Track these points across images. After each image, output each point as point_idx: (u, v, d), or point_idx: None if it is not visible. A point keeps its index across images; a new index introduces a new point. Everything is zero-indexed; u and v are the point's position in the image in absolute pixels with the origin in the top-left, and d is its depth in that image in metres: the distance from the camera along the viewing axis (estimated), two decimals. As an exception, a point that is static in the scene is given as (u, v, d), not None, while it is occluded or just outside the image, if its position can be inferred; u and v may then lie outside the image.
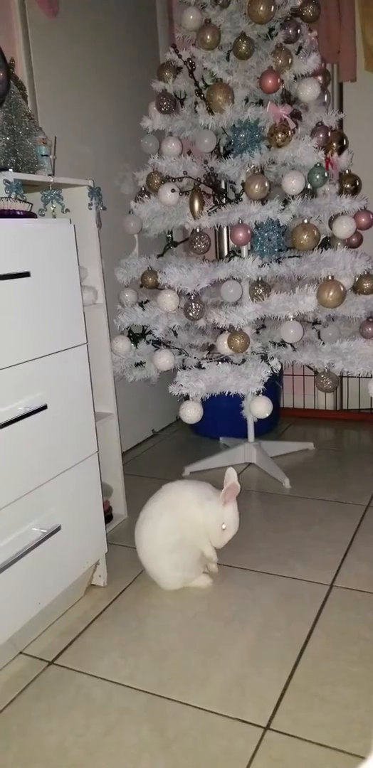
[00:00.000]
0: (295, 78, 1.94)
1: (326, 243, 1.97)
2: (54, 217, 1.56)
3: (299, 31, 1.94)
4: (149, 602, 1.49)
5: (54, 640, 1.37)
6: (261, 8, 1.82)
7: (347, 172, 2.07)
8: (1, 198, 1.34)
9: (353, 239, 2.03)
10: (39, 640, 1.38)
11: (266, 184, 1.84)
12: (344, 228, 1.89)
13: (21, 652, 1.34)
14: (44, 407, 1.30)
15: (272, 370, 1.88)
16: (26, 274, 1.24)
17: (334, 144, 2.02)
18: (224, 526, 1.48)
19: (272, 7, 1.84)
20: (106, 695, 1.19)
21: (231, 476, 1.49)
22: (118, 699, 1.18)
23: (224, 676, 1.22)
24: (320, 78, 1.98)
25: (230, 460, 2.30)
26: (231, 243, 1.96)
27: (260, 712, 1.12)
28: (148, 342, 2.13)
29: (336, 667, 1.21)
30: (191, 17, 1.97)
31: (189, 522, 1.47)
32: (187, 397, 1.86)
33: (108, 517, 1.87)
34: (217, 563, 1.58)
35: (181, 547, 1.47)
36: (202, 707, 1.14)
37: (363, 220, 2.00)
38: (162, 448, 2.62)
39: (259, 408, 1.90)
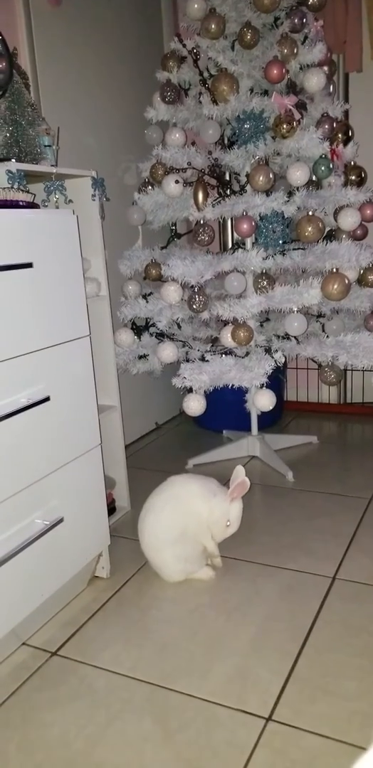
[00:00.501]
0: (300, 68, 1.92)
1: (331, 235, 1.96)
2: (57, 207, 1.56)
3: (304, 20, 1.91)
4: (152, 594, 1.49)
5: (57, 632, 1.38)
6: (266, -3, 1.80)
7: (352, 163, 2.06)
8: (4, 188, 1.33)
9: (358, 231, 2.02)
10: (42, 631, 1.38)
11: (271, 176, 1.83)
12: (349, 220, 1.88)
13: (24, 643, 1.35)
14: (47, 399, 1.30)
15: (276, 363, 1.87)
16: (29, 265, 1.24)
17: (339, 135, 2.01)
18: (228, 523, 1.48)
19: (278, -4, 1.82)
20: (108, 686, 1.20)
21: (240, 474, 1.49)
22: (120, 690, 1.18)
23: (227, 667, 1.22)
24: (325, 68, 1.96)
25: (233, 453, 2.30)
26: (235, 235, 1.95)
27: (262, 703, 1.12)
28: (151, 334, 2.12)
29: (338, 659, 1.21)
30: (196, 6, 1.95)
31: (192, 516, 1.47)
32: (190, 390, 1.86)
33: (111, 509, 1.87)
34: (220, 556, 1.58)
35: (184, 540, 1.48)
36: (204, 698, 1.14)
37: (368, 212, 1.98)
38: (165, 440, 2.62)
39: (262, 401, 1.90)
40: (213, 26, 1.89)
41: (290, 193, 1.85)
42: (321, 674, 1.18)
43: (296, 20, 1.90)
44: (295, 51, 1.87)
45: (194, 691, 1.16)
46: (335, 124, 1.96)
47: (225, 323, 1.92)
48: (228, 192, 1.98)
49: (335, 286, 1.77)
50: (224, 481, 1.56)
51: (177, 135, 2.01)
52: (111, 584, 1.55)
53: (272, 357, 1.88)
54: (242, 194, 1.92)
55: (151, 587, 1.52)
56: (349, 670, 1.18)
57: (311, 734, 1.04)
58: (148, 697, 1.16)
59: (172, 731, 1.07)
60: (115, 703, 1.15)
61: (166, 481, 1.55)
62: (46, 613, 1.41)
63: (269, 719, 1.08)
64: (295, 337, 1.95)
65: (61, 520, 1.35)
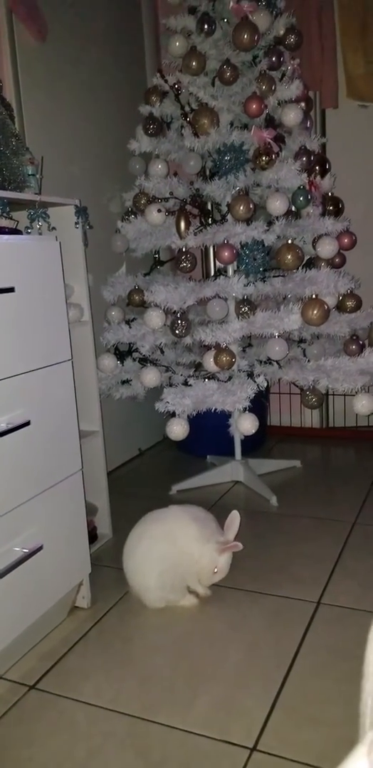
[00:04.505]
0: (278, 103, 1.98)
1: (310, 263, 2.00)
2: (40, 234, 1.57)
3: (281, 58, 1.99)
4: (134, 623, 1.46)
5: (35, 664, 1.34)
6: (245, 36, 1.88)
7: (329, 194, 2.12)
8: (-13, 215, 1.34)
9: (337, 259, 2.07)
10: (19, 664, 1.34)
11: (251, 206, 1.87)
12: (327, 248, 1.93)
13: (0, 677, 1.30)
14: (27, 423, 1.28)
15: (259, 387, 1.89)
16: (11, 290, 1.24)
17: (317, 167, 2.07)
18: (215, 570, 1.48)
19: (256, 36, 1.89)
20: (89, 720, 1.16)
21: (235, 519, 1.51)
22: (102, 723, 1.15)
23: (210, 697, 1.19)
24: (302, 104, 2.03)
25: (217, 478, 2.29)
26: (217, 262, 1.98)
27: (247, 732, 1.09)
28: (134, 359, 2.13)
29: (324, 685, 1.20)
30: (177, 44, 2.02)
31: (186, 557, 1.47)
32: (173, 414, 1.86)
33: (93, 536, 1.84)
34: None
35: (173, 573, 1.47)
36: (187, 729, 1.11)
37: (346, 240, 2.04)
38: (149, 466, 2.60)
39: (245, 425, 1.90)
40: (194, 63, 1.96)
41: (270, 223, 1.90)
42: (307, 701, 1.16)
43: (273, 58, 1.97)
44: (273, 87, 1.94)
45: (177, 723, 1.13)
46: (312, 157, 2.03)
47: (208, 348, 1.94)
48: (209, 221, 2.02)
49: (315, 312, 1.80)
50: (209, 506, 1.55)
51: (160, 166, 2.05)
52: (92, 614, 1.52)
53: (255, 381, 1.90)
54: (223, 223, 1.96)
55: (134, 616, 1.49)
56: (335, 696, 1.16)
57: (297, 763, 1.02)
58: (129, 730, 1.13)
59: (155, 764, 1.04)
60: (96, 737, 1.12)
61: (169, 509, 1.54)
62: (24, 645, 1.37)
63: (253, 749, 1.06)
64: (277, 362, 1.97)
65: (40, 548, 1.32)
